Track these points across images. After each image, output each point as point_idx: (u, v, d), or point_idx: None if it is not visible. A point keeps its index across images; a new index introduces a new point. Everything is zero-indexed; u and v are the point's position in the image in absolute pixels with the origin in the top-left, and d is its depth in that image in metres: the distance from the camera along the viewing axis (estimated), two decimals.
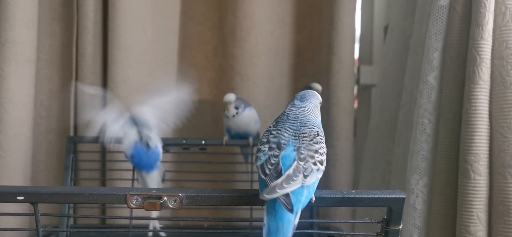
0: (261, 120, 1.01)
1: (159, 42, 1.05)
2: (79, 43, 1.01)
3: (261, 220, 0.49)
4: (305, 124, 0.55)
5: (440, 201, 0.79)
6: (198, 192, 0.52)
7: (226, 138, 0.96)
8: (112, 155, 1.00)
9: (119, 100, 1.00)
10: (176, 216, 0.99)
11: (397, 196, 0.52)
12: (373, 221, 0.55)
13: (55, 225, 0.97)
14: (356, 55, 1.18)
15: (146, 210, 0.51)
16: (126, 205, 0.51)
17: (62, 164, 1.01)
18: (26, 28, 0.94)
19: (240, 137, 0.96)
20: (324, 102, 0.94)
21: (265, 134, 0.55)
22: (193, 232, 0.83)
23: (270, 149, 0.52)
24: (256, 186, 0.62)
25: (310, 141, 0.52)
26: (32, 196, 0.51)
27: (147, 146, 0.82)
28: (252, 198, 0.52)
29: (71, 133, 1.02)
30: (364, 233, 0.57)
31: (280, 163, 0.50)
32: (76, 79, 1.02)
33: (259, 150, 0.53)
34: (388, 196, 0.52)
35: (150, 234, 0.89)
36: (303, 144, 0.52)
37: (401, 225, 0.54)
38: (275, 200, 0.48)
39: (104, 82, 1.03)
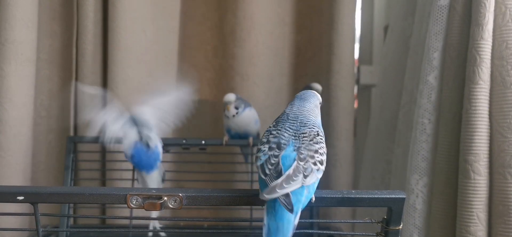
0: (261, 120, 1.01)
1: (159, 42, 1.05)
2: (79, 43, 1.01)
3: (261, 220, 0.49)
4: (305, 124, 0.55)
5: (440, 201, 0.79)
6: (198, 192, 0.52)
7: (226, 138, 0.96)
8: (112, 155, 1.00)
9: (119, 100, 1.00)
10: (176, 216, 0.99)
11: (397, 196, 0.52)
12: (373, 221, 0.55)
13: (55, 225, 0.97)
14: (356, 55, 1.18)
15: (146, 210, 0.51)
16: (126, 205, 0.51)
17: (62, 164, 1.01)
18: (26, 28, 0.94)
19: (240, 137, 0.96)
20: (324, 102, 0.94)
21: (265, 134, 0.55)
22: (193, 232, 0.83)
23: (270, 149, 0.52)
24: (256, 186, 0.62)
25: (310, 141, 0.52)
26: (32, 196, 0.51)
27: (147, 146, 0.82)
28: (252, 198, 0.52)
29: (71, 133, 1.02)
30: (364, 233, 0.57)
31: (280, 163, 0.50)
32: (76, 79, 1.02)
33: (259, 150, 0.53)
34: (388, 196, 0.52)
35: (150, 234, 0.89)
36: (303, 144, 0.52)
37: (401, 225, 0.54)
38: (275, 200, 0.48)
39: (104, 82, 1.03)
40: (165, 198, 0.51)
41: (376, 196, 0.52)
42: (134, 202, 0.51)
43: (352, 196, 0.52)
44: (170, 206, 0.52)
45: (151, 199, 0.51)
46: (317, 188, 0.52)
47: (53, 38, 1.04)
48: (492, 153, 0.72)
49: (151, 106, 0.84)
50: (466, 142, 0.73)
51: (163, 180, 0.90)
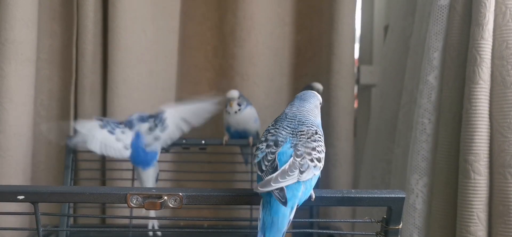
0: (261, 120, 1.01)
1: (159, 42, 1.05)
2: (79, 43, 1.01)
3: None
4: (303, 122, 0.55)
5: (440, 201, 0.79)
6: (198, 192, 0.52)
7: (226, 138, 0.96)
8: None
9: (119, 100, 1.00)
10: (176, 216, 0.99)
11: (396, 196, 0.52)
12: (373, 220, 0.55)
13: (55, 225, 0.97)
14: (356, 55, 1.18)
15: (146, 209, 0.51)
16: (126, 205, 0.51)
17: (62, 164, 1.01)
18: (26, 28, 0.94)
19: (240, 135, 0.96)
20: (324, 102, 0.94)
21: (264, 133, 0.56)
22: (193, 231, 0.83)
23: (268, 146, 0.52)
24: None
25: (308, 138, 0.53)
26: (33, 196, 0.51)
27: (156, 139, 0.84)
28: (252, 198, 0.53)
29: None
30: (364, 233, 0.57)
31: (276, 159, 0.50)
32: (76, 79, 1.02)
33: (257, 148, 0.54)
34: (388, 196, 0.52)
35: (150, 233, 0.89)
36: (300, 141, 0.52)
37: (401, 225, 0.54)
38: (270, 195, 0.49)
39: (104, 82, 1.03)
40: (165, 197, 0.51)
41: (376, 196, 0.52)
42: (134, 202, 0.51)
43: (352, 195, 0.52)
44: (170, 205, 0.52)
45: (151, 198, 0.51)
46: (317, 187, 0.52)
47: (53, 38, 1.04)
48: (492, 153, 0.72)
49: (182, 106, 0.87)
50: (466, 141, 0.73)
51: (157, 180, 0.90)
